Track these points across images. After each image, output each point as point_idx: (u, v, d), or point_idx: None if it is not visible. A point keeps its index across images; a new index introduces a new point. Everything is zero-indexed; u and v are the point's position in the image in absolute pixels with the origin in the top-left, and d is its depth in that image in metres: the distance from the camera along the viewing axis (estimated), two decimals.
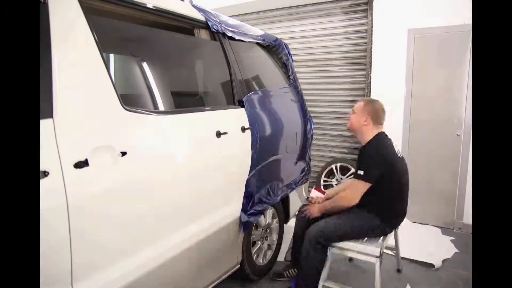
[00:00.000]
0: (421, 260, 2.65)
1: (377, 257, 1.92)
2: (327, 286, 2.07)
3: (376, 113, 2.06)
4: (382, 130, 2.10)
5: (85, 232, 1.19)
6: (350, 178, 3.87)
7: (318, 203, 2.25)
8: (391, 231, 2.12)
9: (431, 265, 2.59)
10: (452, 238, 3.05)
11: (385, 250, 2.50)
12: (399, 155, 2.06)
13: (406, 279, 2.42)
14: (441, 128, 3.28)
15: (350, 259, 2.67)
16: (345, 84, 3.87)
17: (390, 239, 2.34)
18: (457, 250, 2.82)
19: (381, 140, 2.04)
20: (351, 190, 2.03)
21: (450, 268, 2.58)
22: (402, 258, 2.60)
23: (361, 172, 1.97)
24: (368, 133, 2.06)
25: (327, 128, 4.05)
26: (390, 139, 2.08)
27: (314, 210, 2.16)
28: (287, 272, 2.39)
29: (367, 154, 2.02)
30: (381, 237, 2.05)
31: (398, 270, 2.52)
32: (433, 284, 2.37)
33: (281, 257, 2.70)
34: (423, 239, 3.01)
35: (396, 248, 2.45)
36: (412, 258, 2.68)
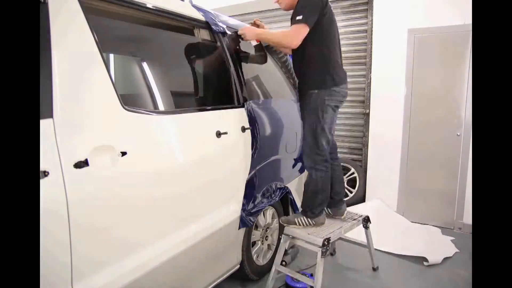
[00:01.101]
0: (420, 255, 2.66)
1: (319, 246, 1.96)
2: (279, 270, 2.18)
3: None
4: None
5: (85, 232, 1.19)
6: (350, 178, 3.88)
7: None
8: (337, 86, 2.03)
9: (426, 260, 2.60)
10: (452, 238, 3.05)
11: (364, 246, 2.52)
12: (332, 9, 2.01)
13: (406, 280, 2.43)
14: (441, 128, 3.28)
15: (332, 254, 2.74)
16: None
17: (362, 236, 2.47)
18: (457, 250, 2.82)
19: None
20: (292, 30, 1.93)
21: (450, 268, 2.58)
22: (400, 255, 2.64)
23: (299, 17, 1.88)
24: None
25: None
26: None
27: (250, 34, 2.06)
28: (299, 219, 2.21)
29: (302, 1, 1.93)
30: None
31: (374, 269, 2.51)
32: (433, 284, 2.36)
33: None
34: (424, 239, 3.01)
35: (368, 245, 2.46)
36: (411, 254, 2.70)
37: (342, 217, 2.34)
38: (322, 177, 2.11)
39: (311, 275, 2.15)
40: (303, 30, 1.90)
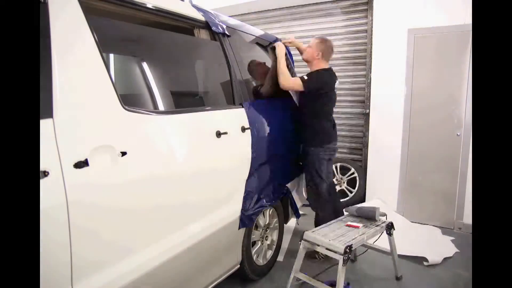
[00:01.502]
0: (420, 255, 2.65)
1: (341, 254, 1.88)
2: (297, 277, 2.13)
3: (327, 50, 2.56)
4: (329, 67, 2.59)
5: (85, 232, 1.18)
6: (350, 178, 3.88)
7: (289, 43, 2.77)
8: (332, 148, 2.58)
9: (426, 260, 2.59)
10: (452, 238, 3.05)
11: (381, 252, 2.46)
12: (335, 89, 2.58)
13: (406, 280, 2.43)
14: (441, 128, 3.28)
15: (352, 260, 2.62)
16: (345, 84, 3.87)
17: (380, 242, 2.34)
18: (457, 250, 2.82)
19: (327, 71, 2.55)
20: (293, 79, 2.51)
21: (450, 268, 2.58)
22: (399, 255, 2.53)
23: (305, 77, 2.46)
24: (319, 65, 2.54)
25: None
26: (334, 74, 2.58)
27: (281, 50, 2.55)
28: (318, 255, 2.55)
29: (315, 73, 2.51)
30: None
31: (397, 278, 2.38)
32: (434, 285, 2.36)
33: (281, 257, 2.70)
34: (424, 239, 3.01)
35: (392, 253, 2.34)
36: (411, 255, 2.69)
37: None
38: (326, 215, 2.55)
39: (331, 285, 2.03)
40: (298, 85, 2.46)
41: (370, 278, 2.43)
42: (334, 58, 3.87)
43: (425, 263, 2.58)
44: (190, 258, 1.67)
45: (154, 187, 1.45)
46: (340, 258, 1.89)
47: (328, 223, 2.30)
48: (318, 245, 2.04)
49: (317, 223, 2.59)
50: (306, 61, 2.63)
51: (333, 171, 2.69)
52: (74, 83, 1.19)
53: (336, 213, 2.62)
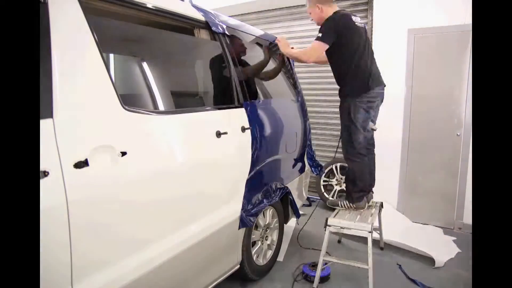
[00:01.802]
0: (426, 255, 2.67)
1: (369, 231, 2.21)
2: (326, 260, 2.33)
3: None
4: (338, 9, 2.37)
5: (85, 232, 1.19)
6: None
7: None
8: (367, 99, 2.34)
9: (432, 262, 2.61)
10: (454, 238, 3.05)
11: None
12: (358, 24, 2.33)
13: (405, 280, 2.43)
14: (441, 128, 3.28)
15: (339, 241, 3.01)
16: None
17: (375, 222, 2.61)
18: (459, 250, 2.82)
19: (339, 13, 2.32)
20: (310, 48, 2.34)
21: (450, 268, 2.58)
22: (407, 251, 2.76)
23: (319, 34, 2.25)
24: (328, 13, 2.33)
25: (327, 128, 4.05)
26: (346, 14, 2.33)
27: (283, 44, 2.50)
28: (342, 202, 2.57)
29: (326, 20, 2.28)
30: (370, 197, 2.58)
31: (381, 248, 2.86)
32: (434, 285, 2.36)
33: (281, 257, 2.70)
34: (427, 238, 3.02)
35: (379, 228, 2.78)
36: (417, 252, 2.74)
37: (369, 204, 2.59)
38: (358, 167, 2.45)
39: None
40: (318, 47, 2.27)
41: (356, 251, 2.85)
42: None
43: (432, 267, 2.59)
44: (190, 258, 1.67)
45: (154, 187, 1.45)
46: (369, 235, 2.21)
47: (336, 211, 2.49)
48: (343, 228, 2.30)
49: (348, 177, 2.54)
50: (319, 23, 2.37)
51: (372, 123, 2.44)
52: (74, 83, 1.19)
53: (370, 174, 2.55)
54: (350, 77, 2.33)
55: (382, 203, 2.72)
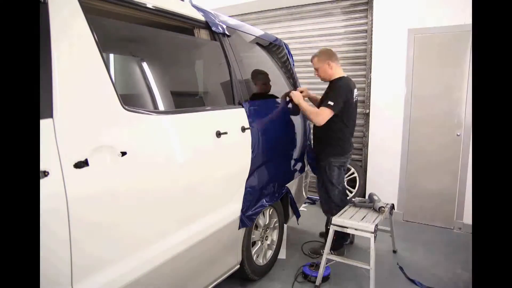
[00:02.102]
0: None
1: (371, 232, 2.18)
2: (329, 258, 2.34)
3: (330, 55, 2.53)
4: (345, 74, 2.57)
5: (85, 232, 1.19)
6: (350, 178, 3.89)
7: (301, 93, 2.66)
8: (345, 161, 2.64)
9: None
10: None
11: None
12: (355, 98, 2.56)
13: (405, 280, 2.43)
14: (441, 128, 3.28)
15: (351, 242, 2.94)
16: None
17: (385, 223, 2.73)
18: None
19: (347, 80, 2.53)
20: (321, 113, 2.46)
21: (450, 268, 2.58)
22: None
23: (331, 103, 2.43)
24: (336, 72, 2.53)
25: None
26: (352, 83, 2.56)
27: (296, 98, 2.56)
28: (323, 250, 2.62)
29: (337, 87, 2.48)
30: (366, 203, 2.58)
31: (394, 251, 2.82)
32: (434, 285, 2.36)
33: (281, 257, 2.70)
34: None
35: (391, 230, 2.75)
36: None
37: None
38: None
39: None
40: (329, 114, 2.44)
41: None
42: None
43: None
44: (190, 258, 1.67)
45: (154, 187, 1.45)
46: (371, 236, 2.18)
47: (344, 209, 2.54)
48: (347, 228, 2.30)
49: (327, 227, 2.73)
50: (325, 79, 2.60)
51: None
52: (74, 83, 1.19)
53: None
54: (336, 140, 2.56)
55: (393, 204, 2.69)
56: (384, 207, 2.50)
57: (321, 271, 2.32)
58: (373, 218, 2.37)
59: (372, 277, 2.16)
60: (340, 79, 2.52)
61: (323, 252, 2.61)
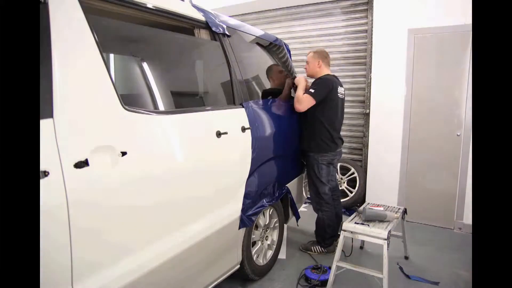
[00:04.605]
0: None
1: (384, 239, 2.09)
2: (339, 266, 2.26)
3: (323, 55, 2.67)
4: (333, 74, 2.69)
5: (85, 232, 1.18)
6: (350, 178, 3.88)
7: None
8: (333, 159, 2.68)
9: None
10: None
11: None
12: (340, 96, 2.64)
13: (406, 280, 2.42)
14: (441, 128, 3.28)
15: (361, 247, 2.88)
16: (345, 84, 3.86)
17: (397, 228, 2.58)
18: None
19: (331, 76, 2.64)
20: (303, 100, 2.53)
21: (450, 268, 2.58)
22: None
23: (312, 90, 2.52)
24: (323, 72, 2.66)
25: None
26: (337, 80, 2.66)
27: (300, 81, 2.65)
28: (315, 248, 2.78)
29: (321, 80, 2.59)
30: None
31: (406, 257, 2.72)
32: (433, 285, 2.36)
33: (281, 257, 2.70)
34: None
35: (403, 236, 2.65)
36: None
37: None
38: (327, 215, 2.70)
39: None
40: (309, 100, 2.52)
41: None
42: (334, 58, 3.89)
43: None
44: (191, 258, 1.67)
45: (154, 187, 1.45)
46: (384, 243, 2.09)
47: (352, 216, 2.42)
48: (359, 234, 2.21)
49: (318, 224, 2.77)
50: (311, 76, 2.71)
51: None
52: (74, 83, 1.19)
53: (337, 218, 2.79)
54: (319, 135, 2.60)
55: (405, 209, 2.61)
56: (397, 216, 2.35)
57: (331, 279, 2.24)
58: (386, 223, 2.26)
59: (386, 287, 2.06)
60: (325, 76, 2.63)
61: (313, 249, 2.76)
